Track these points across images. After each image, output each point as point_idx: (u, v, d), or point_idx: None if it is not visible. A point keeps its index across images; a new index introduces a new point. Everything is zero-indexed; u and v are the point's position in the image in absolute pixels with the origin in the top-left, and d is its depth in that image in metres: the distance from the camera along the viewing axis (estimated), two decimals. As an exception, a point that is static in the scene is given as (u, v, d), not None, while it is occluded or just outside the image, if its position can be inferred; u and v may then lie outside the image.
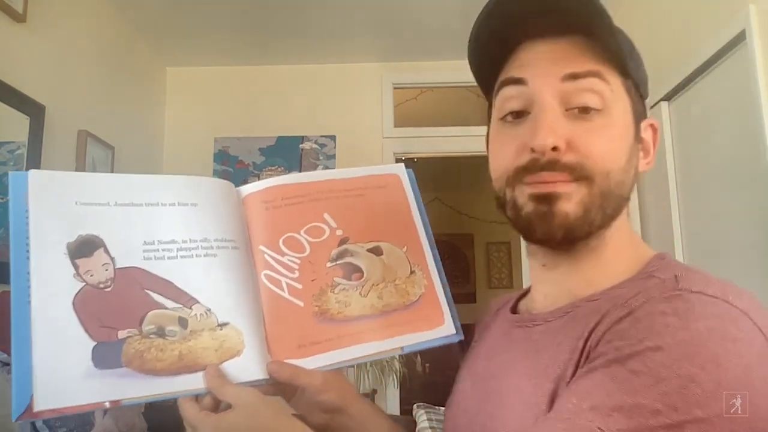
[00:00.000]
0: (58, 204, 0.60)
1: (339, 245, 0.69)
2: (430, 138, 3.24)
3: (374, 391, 2.85)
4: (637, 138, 0.58)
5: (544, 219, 0.54)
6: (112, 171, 2.56)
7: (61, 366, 0.54)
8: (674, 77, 2.15)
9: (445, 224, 5.39)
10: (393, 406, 3.06)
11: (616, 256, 0.58)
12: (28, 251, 0.57)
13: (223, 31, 2.92)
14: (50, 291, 0.56)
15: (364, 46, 3.11)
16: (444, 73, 3.12)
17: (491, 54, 0.60)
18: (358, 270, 0.68)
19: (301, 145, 3.19)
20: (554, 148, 0.53)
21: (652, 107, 2.34)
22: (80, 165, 2.32)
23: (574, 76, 0.54)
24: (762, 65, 1.68)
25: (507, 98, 0.58)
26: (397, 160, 3.35)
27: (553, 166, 0.53)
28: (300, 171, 3.15)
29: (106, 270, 0.59)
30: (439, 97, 3.50)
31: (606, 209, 0.55)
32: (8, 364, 1.37)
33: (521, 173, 0.55)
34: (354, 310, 0.66)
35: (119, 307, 0.58)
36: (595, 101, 0.54)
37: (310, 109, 3.24)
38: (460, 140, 3.11)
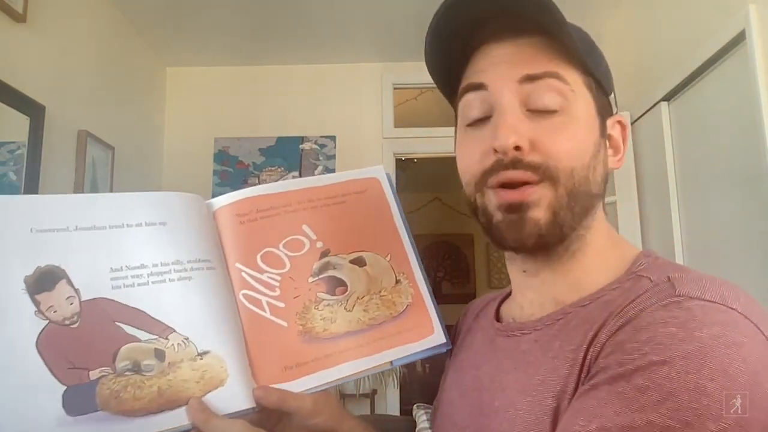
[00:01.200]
0: (11, 233, 0.54)
1: (320, 258, 0.65)
2: (430, 138, 3.24)
3: (374, 392, 2.85)
4: (603, 134, 0.57)
5: (515, 227, 0.54)
6: (112, 171, 2.56)
7: (30, 417, 0.49)
8: (674, 77, 2.14)
9: (445, 224, 5.39)
10: (393, 406, 3.05)
11: (598, 257, 0.57)
12: None
13: (223, 31, 2.91)
14: (9, 333, 0.51)
15: (364, 46, 3.11)
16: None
17: (449, 62, 0.60)
18: (342, 283, 0.65)
19: (301, 146, 3.19)
20: (517, 148, 0.53)
21: (652, 107, 2.34)
22: (80, 165, 2.32)
23: (531, 78, 0.54)
24: (762, 65, 1.67)
25: (469, 104, 0.58)
26: (398, 161, 3.35)
27: (516, 165, 0.53)
28: (300, 171, 3.15)
29: (71, 304, 0.54)
30: (439, 97, 3.44)
31: (574, 208, 0.54)
32: None
33: (487, 175, 0.55)
34: (340, 326, 0.62)
35: (88, 344, 0.53)
36: (555, 101, 0.54)
37: (310, 109, 3.24)
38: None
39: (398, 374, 2.80)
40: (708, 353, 0.42)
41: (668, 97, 2.25)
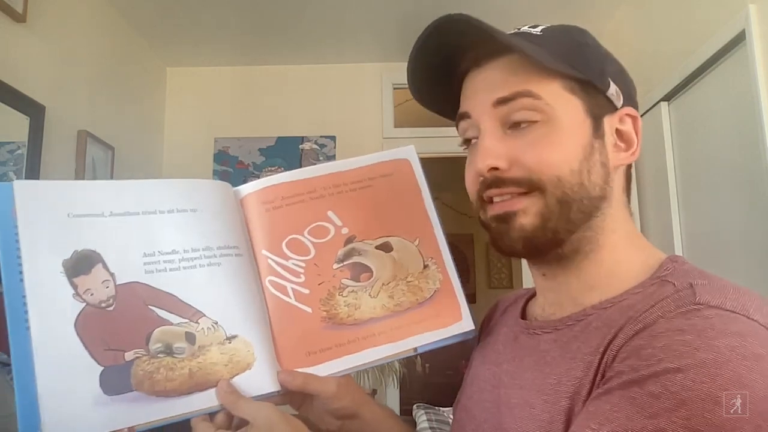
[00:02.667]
0: (50, 218, 0.55)
1: (345, 244, 0.66)
2: (430, 138, 3.23)
3: (374, 391, 2.85)
4: (598, 134, 0.57)
5: (505, 234, 0.56)
6: (112, 171, 2.56)
7: (69, 395, 0.51)
8: (674, 77, 2.14)
9: (445, 224, 5.34)
10: (393, 406, 3.06)
11: (619, 260, 0.57)
12: (21, 272, 0.53)
13: (223, 31, 2.91)
14: (49, 315, 0.53)
15: (364, 46, 3.11)
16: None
17: (444, 92, 0.63)
18: (367, 269, 0.65)
19: (301, 146, 3.19)
20: (495, 168, 0.55)
21: (652, 107, 2.34)
22: (80, 165, 2.32)
23: (503, 101, 0.56)
24: (762, 65, 1.67)
25: (464, 131, 0.61)
26: (397, 160, 3.34)
27: (498, 183, 0.56)
28: (300, 171, 3.15)
29: (107, 287, 0.56)
30: (439, 97, 3.49)
31: (568, 214, 0.55)
32: (8, 365, 1.37)
33: (480, 193, 0.58)
34: (364, 312, 0.63)
35: (123, 326, 0.55)
36: (530, 115, 0.55)
37: (310, 109, 3.24)
38: (460, 140, 3.10)
39: (398, 374, 2.79)
40: (724, 363, 0.41)
41: (668, 97, 2.25)
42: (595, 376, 0.49)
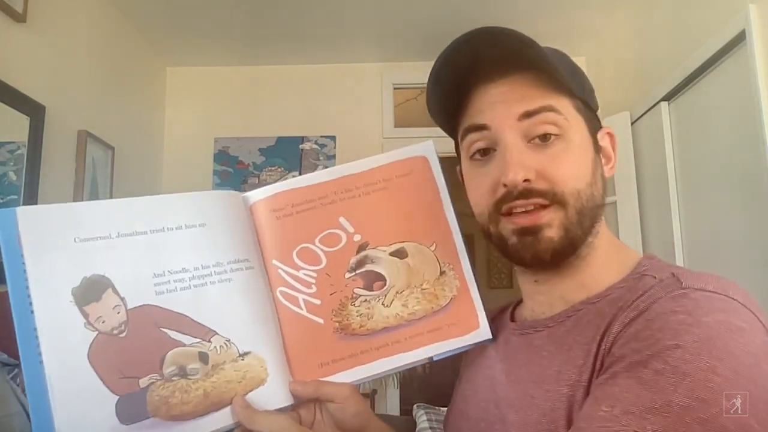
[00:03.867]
0: (56, 244, 0.54)
1: (358, 252, 0.63)
2: (430, 138, 3.23)
3: (374, 391, 2.85)
4: (596, 149, 0.62)
5: (531, 246, 0.57)
6: (112, 171, 2.56)
7: (84, 428, 0.51)
8: (674, 77, 2.15)
9: (445, 224, 5.38)
10: (393, 406, 3.05)
11: (604, 259, 0.61)
12: (30, 303, 0.52)
13: (223, 31, 2.91)
14: (62, 348, 0.52)
15: (364, 46, 3.11)
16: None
17: (449, 103, 0.63)
18: (381, 277, 0.63)
19: (301, 146, 3.19)
20: (526, 180, 0.56)
21: (652, 107, 2.34)
22: (80, 165, 2.32)
23: (529, 114, 0.58)
24: (762, 65, 1.68)
25: (474, 143, 0.61)
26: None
27: (526, 195, 0.57)
28: (300, 171, 3.15)
29: (118, 312, 0.54)
30: (439, 97, 3.50)
31: (584, 223, 0.58)
32: (8, 365, 1.37)
33: (499, 205, 0.58)
34: (377, 322, 0.61)
35: (137, 352, 0.54)
36: (552, 129, 0.58)
37: (310, 109, 3.24)
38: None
39: (398, 374, 2.79)
40: (716, 336, 0.45)
41: (668, 97, 2.25)
42: (594, 362, 0.52)
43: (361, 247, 0.64)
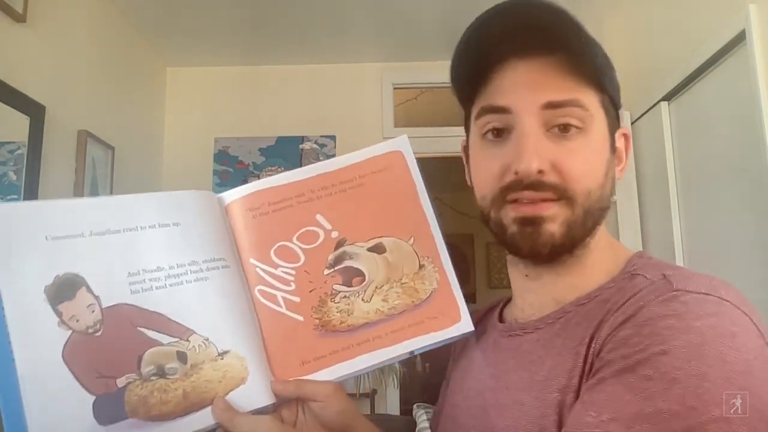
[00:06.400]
0: (27, 242, 0.53)
1: (336, 248, 0.63)
2: (430, 138, 3.23)
3: (374, 391, 2.85)
4: (612, 149, 0.60)
5: (530, 238, 0.56)
6: (112, 171, 2.56)
7: (61, 428, 0.50)
8: (674, 77, 2.14)
9: (445, 224, 5.29)
10: (393, 406, 3.06)
11: (597, 258, 0.59)
12: (1, 302, 0.50)
13: (223, 31, 2.91)
14: (35, 347, 0.50)
15: (364, 46, 3.11)
16: (444, 73, 3.00)
17: (474, 71, 0.60)
18: (359, 273, 0.63)
19: (301, 146, 3.19)
20: (539, 171, 0.54)
21: (652, 107, 2.34)
22: (80, 165, 2.31)
23: (553, 105, 0.55)
24: (762, 65, 1.67)
25: (486, 122, 0.59)
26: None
27: (536, 186, 0.55)
28: (300, 171, 3.15)
29: (93, 311, 0.53)
30: (439, 97, 3.50)
31: (587, 224, 0.57)
32: None
33: (505, 192, 0.56)
34: (358, 318, 0.61)
35: (113, 351, 0.53)
36: (575, 122, 0.56)
37: (310, 109, 3.24)
38: (460, 140, 3.09)
39: (398, 374, 2.79)
40: (706, 342, 0.44)
41: (668, 97, 2.25)
42: (584, 366, 0.50)
43: (339, 244, 0.64)
